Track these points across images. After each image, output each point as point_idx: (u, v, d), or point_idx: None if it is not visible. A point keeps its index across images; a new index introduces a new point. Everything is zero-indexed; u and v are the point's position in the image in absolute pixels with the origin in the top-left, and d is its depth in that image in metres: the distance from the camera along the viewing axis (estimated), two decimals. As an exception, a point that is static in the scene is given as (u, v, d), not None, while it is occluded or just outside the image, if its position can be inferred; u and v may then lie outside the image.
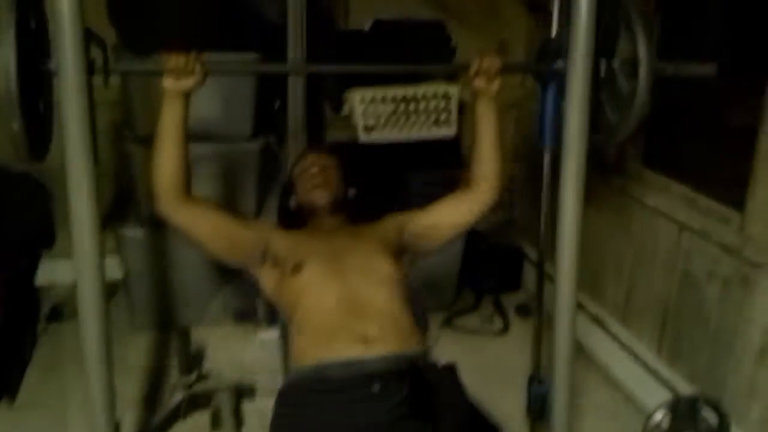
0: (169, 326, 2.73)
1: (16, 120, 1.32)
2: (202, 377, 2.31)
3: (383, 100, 2.74)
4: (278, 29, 2.59)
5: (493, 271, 3.17)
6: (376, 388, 1.48)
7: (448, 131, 2.82)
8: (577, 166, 1.67)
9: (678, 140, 2.67)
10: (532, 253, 3.23)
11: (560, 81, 1.77)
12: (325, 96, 2.85)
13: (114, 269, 3.04)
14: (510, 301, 3.16)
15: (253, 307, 2.69)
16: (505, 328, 2.97)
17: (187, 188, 1.66)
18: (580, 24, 1.58)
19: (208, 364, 2.50)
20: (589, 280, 2.75)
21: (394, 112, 2.75)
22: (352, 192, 1.93)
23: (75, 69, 1.36)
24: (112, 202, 2.97)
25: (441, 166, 2.86)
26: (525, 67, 1.89)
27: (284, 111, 2.88)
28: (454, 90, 2.79)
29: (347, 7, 3.01)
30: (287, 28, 2.35)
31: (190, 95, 1.61)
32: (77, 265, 1.51)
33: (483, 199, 1.78)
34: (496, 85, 1.72)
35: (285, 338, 1.83)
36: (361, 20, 2.97)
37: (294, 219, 1.93)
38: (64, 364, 2.54)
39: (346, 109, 2.83)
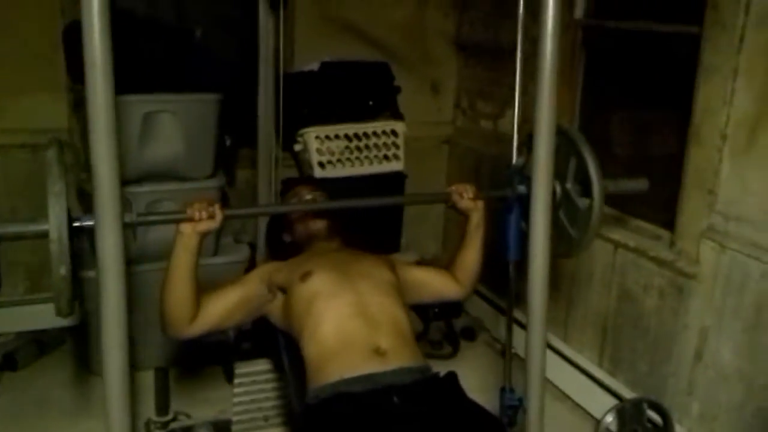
0: (131, 368, 2.70)
1: (64, 265, 1.43)
2: (179, 415, 2.32)
3: (336, 137, 2.88)
4: (235, 68, 2.70)
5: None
6: (396, 399, 1.59)
7: (396, 166, 2.99)
8: (542, 278, 1.79)
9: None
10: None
11: (522, 203, 2.01)
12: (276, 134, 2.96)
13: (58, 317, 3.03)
14: (454, 325, 3.32)
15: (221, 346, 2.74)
16: (455, 352, 3.13)
17: (197, 309, 1.76)
18: (540, 154, 1.76)
19: (176, 404, 2.51)
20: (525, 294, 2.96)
21: (347, 148, 2.90)
22: (341, 222, 2.07)
23: (113, 223, 1.43)
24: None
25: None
26: (494, 192, 2.14)
27: (234, 148, 2.98)
28: (401, 126, 2.97)
29: (293, 49, 3.14)
30: (257, 69, 2.45)
31: (203, 236, 1.71)
32: (105, 299, 1.52)
33: (458, 294, 2.09)
34: (480, 204, 1.99)
35: (292, 364, 1.90)
36: (305, 62, 3.11)
37: (288, 252, 2.03)
38: (27, 413, 2.51)
39: (298, 147, 2.94)
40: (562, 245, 1.98)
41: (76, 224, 1.47)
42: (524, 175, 2.00)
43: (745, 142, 2.10)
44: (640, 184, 2.06)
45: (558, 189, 1.93)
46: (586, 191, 1.89)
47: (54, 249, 1.42)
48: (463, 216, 2.02)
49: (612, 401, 2.54)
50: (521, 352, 2.41)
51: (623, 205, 2.66)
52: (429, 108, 3.54)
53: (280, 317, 1.88)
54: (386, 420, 1.56)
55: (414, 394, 1.62)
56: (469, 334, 3.25)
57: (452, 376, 1.75)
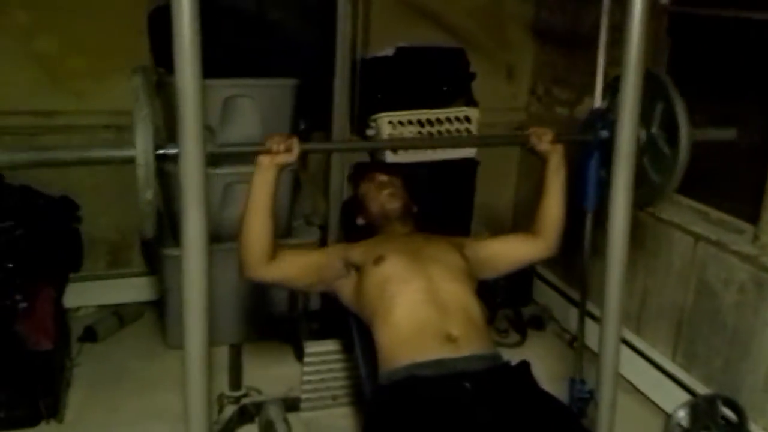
0: (204, 343, 2.79)
1: (150, 189, 1.49)
2: (250, 390, 2.39)
3: (409, 122, 2.88)
4: (311, 54, 2.73)
5: (505, 287, 3.31)
6: (468, 386, 1.60)
7: (468, 152, 2.98)
8: (624, 226, 1.75)
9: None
10: (540, 268, 3.40)
11: (603, 149, 1.98)
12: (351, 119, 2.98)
13: (138, 291, 3.15)
14: (522, 314, 3.29)
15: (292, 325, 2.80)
16: (522, 340, 3.11)
17: (274, 251, 1.80)
18: (627, 99, 1.73)
19: (247, 380, 2.58)
20: (602, 292, 2.91)
21: (419, 133, 2.89)
22: (415, 208, 2.08)
23: (195, 151, 1.48)
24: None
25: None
26: (575, 136, 2.11)
27: (308, 132, 3.02)
28: (474, 112, 2.95)
29: (368, 35, 3.15)
30: (334, 53, 2.46)
31: (280, 169, 1.76)
32: (187, 276, 1.58)
33: (542, 252, 2.02)
34: (560, 147, 1.94)
35: (364, 347, 1.93)
36: (380, 48, 3.12)
37: (362, 235, 2.06)
38: (106, 383, 2.61)
39: (371, 132, 2.96)
40: (645, 192, 1.93)
41: (160, 151, 1.51)
42: (607, 119, 1.97)
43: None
44: (727, 134, 1.99)
45: (642, 134, 1.89)
46: (672, 138, 1.84)
47: (140, 173, 1.47)
48: (542, 160, 1.97)
49: (684, 396, 2.48)
50: (591, 345, 2.39)
51: (706, 197, 2.59)
52: (503, 94, 3.49)
53: (352, 298, 1.91)
54: (458, 405, 1.57)
55: (486, 381, 1.63)
56: (538, 323, 3.23)
57: (525, 366, 1.75)
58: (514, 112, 3.55)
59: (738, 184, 2.52)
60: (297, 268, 1.88)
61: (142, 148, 1.48)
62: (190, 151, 1.49)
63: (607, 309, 1.79)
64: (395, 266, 1.83)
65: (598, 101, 2.24)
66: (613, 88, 2.09)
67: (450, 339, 1.69)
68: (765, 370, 2.24)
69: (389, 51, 3.07)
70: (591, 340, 2.45)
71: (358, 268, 1.90)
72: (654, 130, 1.93)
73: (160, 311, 2.99)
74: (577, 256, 2.60)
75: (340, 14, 2.47)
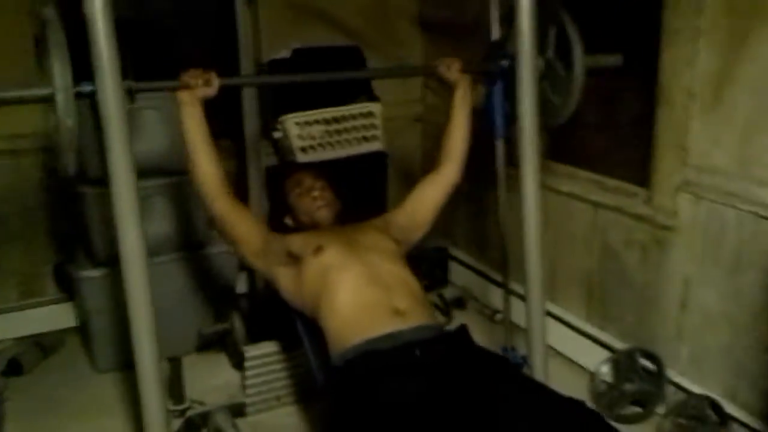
0: (133, 365, 2.73)
1: (70, 117, 1.50)
2: (193, 403, 2.38)
3: (316, 121, 2.93)
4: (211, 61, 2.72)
5: (426, 271, 3.43)
6: (418, 353, 1.71)
7: (376, 146, 3.06)
8: (533, 145, 2.01)
9: (574, 134, 3.06)
10: (455, 251, 3.55)
11: (506, 78, 2.12)
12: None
13: (56, 319, 3.05)
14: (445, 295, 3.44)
15: (215, 334, 2.79)
16: (449, 320, 3.24)
17: (227, 183, 1.87)
18: (523, 28, 1.92)
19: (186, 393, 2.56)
20: (515, 265, 3.07)
21: (327, 132, 2.95)
22: (339, 204, 2.16)
23: (113, 88, 1.55)
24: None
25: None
26: (479, 66, 2.27)
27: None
28: (377, 107, 3.04)
29: (260, 38, 3.16)
30: (235, 59, 2.49)
31: (203, 103, 1.81)
32: (130, 294, 1.58)
33: (451, 178, 2.13)
34: (467, 76, 2.08)
35: (311, 340, 1.98)
36: (274, 51, 3.14)
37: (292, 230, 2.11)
38: (40, 414, 2.53)
39: (278, 134, 2.99)
40: (547, 115, 2.11)
41: (77, 89, 1.53)
42: (506, 50, 2.13)
43: (711, 99, 2.22)
44: (615, 59, 2.19)
45: (540, 61, 2.04)
46: (567, 62, 2.02)
47: (60, 99, 1.47)
48: (449, 88, 2.12)
49: (605, 354, 2.67)
50: (515, 319, 2.55)
51: (600, 168, 2.78)
52: (399, 88, 3.60)
53: (292, 289, 1.96)
54: (411, 371, 1.66)
55: (434, 347, 1.74)
56: (459, 302, 3.37)
57: (464, 329, 1.88)
58: (411, 104, 3.68)
59: (626, 154, 2.73)
60: (249, 222, 1.95)
61: (59, 73, 1.48)
62: (108, 86, 1.53)
63: (528, 247, 2.11)
64: (334, 255, 1.89)
65: (495, 33, 2.38)
66: (508, 20, 2.23)
67: (397, 313, 1.78)
68: (674, 319, 2.45)
69: (286, 53, 3.10)
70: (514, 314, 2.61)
71: (297, 259, 1.95)
72: (550, 55, 2.09)
73: (83, 337, 2.92)
74: (490, 233, 2.73)
75: (239, 19, 2.49)
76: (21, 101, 1.55)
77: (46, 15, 1.52)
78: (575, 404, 1.58)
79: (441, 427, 1.49)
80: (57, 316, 3.07)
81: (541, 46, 2.02)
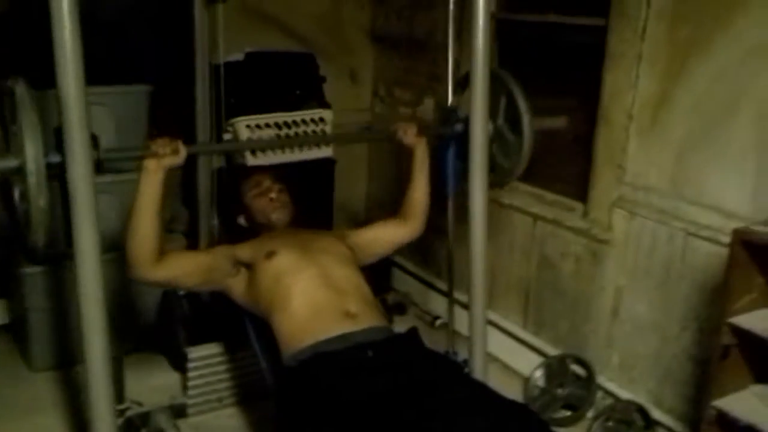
0: (69, 364, 2.70)
1: (42, 196, 1.51)
2: (132, 403, 2.36)
3: (266, 125, 2.95)
4: (164, 61, 2.72)
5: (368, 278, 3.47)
6: (370, 353, 1.76)
7: (325, 152, 3.10)
8: (482, 206, 2.12)
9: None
10: (398, 259, 3.62)
11: (458, 141, 2.25)
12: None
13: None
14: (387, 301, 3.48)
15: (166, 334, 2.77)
16: (390, 324, 3.28)
17: (161, 251, 1.82)
18: (477, 96, 2.03)
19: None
20: (458, 274, 3.16)
21: (277, 136, 2.97)
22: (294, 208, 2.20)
23: (82, 159, 1.55)
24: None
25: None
26: (434, 130, 2.42)
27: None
28: (328, 114, 3.08)
29: (215, 40, 3.16)
30: (189, 59, 2.49)
31: (166, 171, 1.78)
32: (83, 290, 1.58)
33: (411, 233, 2.23)
34: (424, 139, 2.17)
35: (262, 341, 2.00)
36: (228, 53, 3.15)
37: (245, 235, 2.12)
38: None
39: (228, 136, 2.99)
40: (496, 176, 2.24)
41: (47, 160, 1.52)
42: (459, 115, 2.25)
43: (649, 121, 2.36)
44: (560, 122, 2.47)
45: (490, 126, 2.15)
46: (515, 128, 2.15)
47: (32, 180, 1.48)
48: (408, 152, 2.19)
49: (538, 359, 2.78)
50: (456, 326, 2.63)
51: (541, 182, 2.89)
52: (349, 96, 3.66)
53: (245, 294, 1.98)
54: (363, 371, 1.71)
55: (385, 348, 1.80)
56: (400, 308, 3.44)
57: (414, 331, 1.94)
58: (360, 113, 3.74)
59: (566, 170, 2.85)
60: (184, 269, 1.91)
61: (32, 154, 1.48)
62: (78, 159, 1.53)
63: (474, 277, 2.21)
64: (287, 259, 1.92)
65: (450, 99, 2.49)
66: (462, 85, 2.33)
67: (349, 315, 1.83)
68: (604, 329, 2.58)
69: (239, 56, 3.11)
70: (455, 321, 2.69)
71: (249, 266, 1.97)
72: (500, 121, 2.21)
73: (17, 335, 2.85)
74: (434, 243, 2.80)
75: (196, 20, 2.50)
76: None
77: (17, 91, 1.51)
78: (515, 403, 1.67)
79: (393, 425, 1.54)
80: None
81: (492, 113, 2.14)
